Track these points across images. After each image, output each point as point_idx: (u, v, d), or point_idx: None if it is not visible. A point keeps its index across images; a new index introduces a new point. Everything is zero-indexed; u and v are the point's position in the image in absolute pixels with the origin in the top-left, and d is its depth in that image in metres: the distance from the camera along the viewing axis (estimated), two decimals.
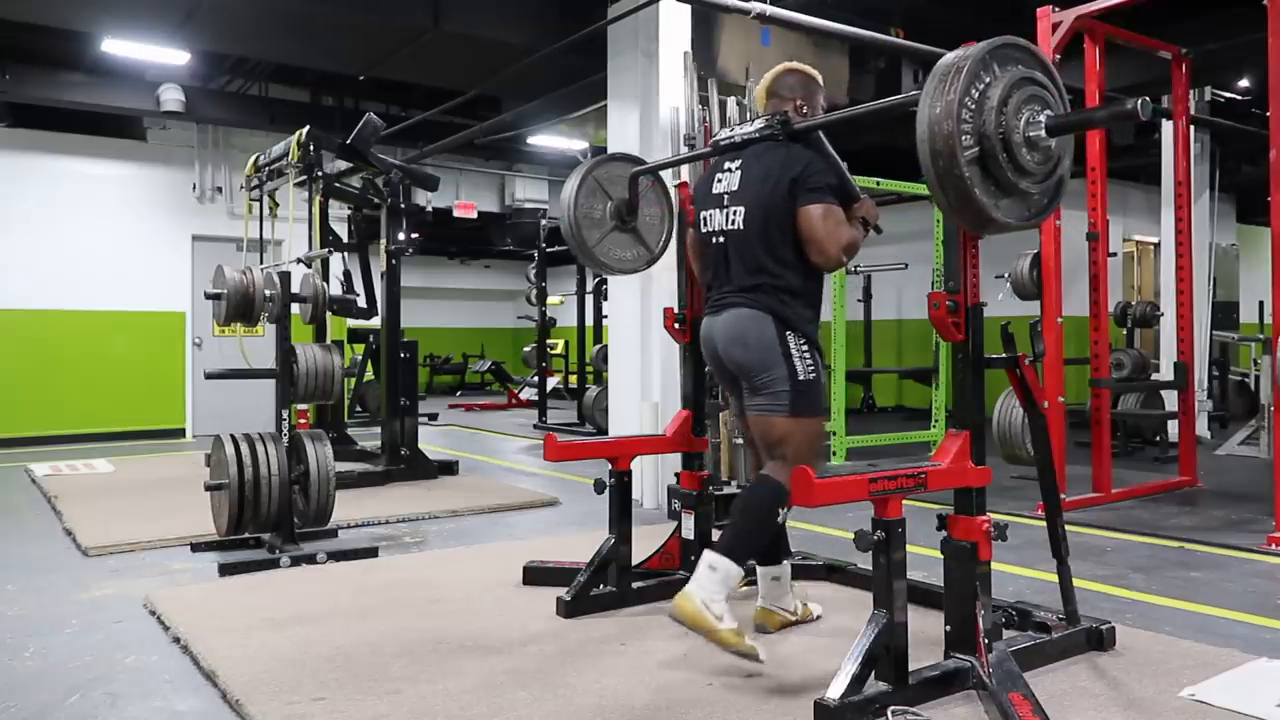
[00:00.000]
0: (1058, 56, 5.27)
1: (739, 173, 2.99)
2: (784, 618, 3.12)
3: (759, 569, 3.14)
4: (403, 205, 6.60)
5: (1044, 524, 2.99)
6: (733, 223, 2.95)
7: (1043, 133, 2.35)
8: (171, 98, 8.64)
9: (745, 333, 2.88)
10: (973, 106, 2.30)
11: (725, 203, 2.99)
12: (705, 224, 3.09)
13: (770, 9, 5.07)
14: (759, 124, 3.01)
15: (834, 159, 2.96)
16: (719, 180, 3.06)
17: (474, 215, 12.23)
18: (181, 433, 9.46)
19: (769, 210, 2.86)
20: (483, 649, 2.96)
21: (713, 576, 2.65)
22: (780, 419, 2.84)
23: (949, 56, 2.36)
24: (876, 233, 3.05)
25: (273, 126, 9.21)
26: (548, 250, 10.84)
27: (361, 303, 7.06)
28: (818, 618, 3.22)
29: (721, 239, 3.00)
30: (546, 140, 10.20)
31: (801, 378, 2.82)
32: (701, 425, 3.57)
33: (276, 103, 9.55)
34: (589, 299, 10.66)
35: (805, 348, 2.86)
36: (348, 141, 6.30)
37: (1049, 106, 2.40)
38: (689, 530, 3.47)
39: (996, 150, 2.31)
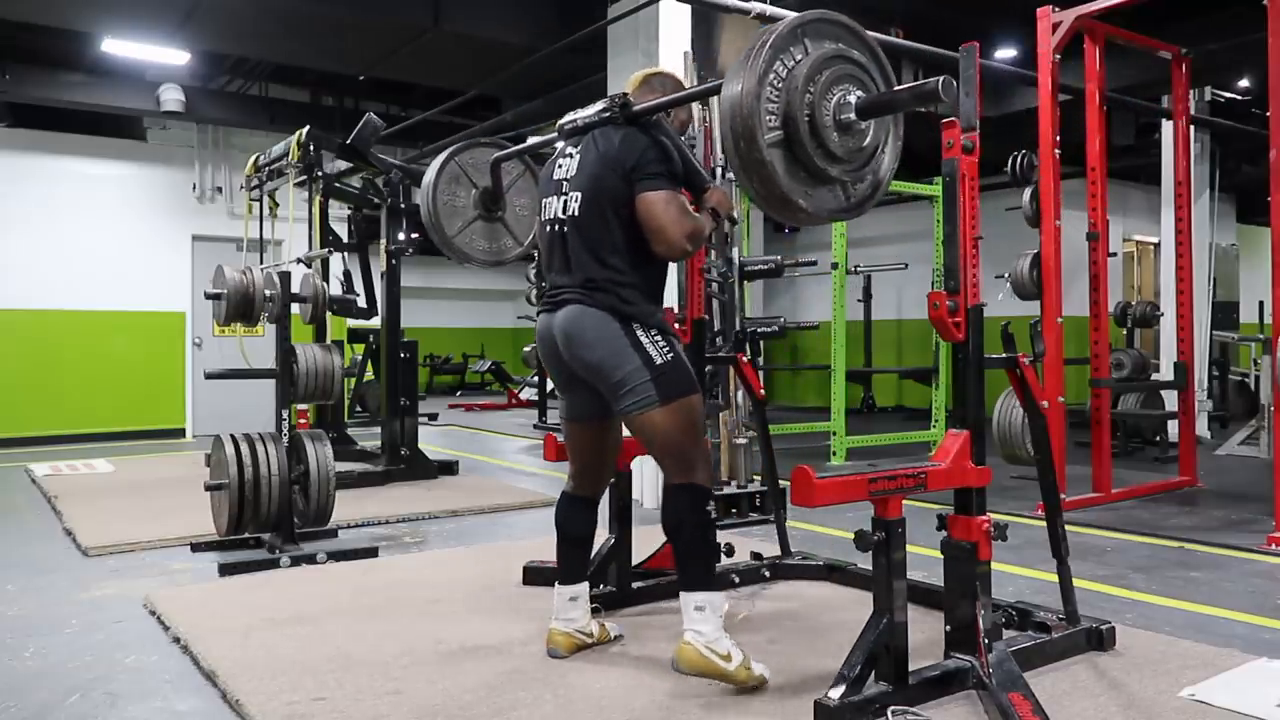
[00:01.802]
0: (1058, 56, 5.28)
1: (578, 157, 2.82)
2: (579, 640, 2.92)
3: (556, 586, 2.96)
4: (403, 205, 6.61)
5: (1044, 524, 2.99)
6: (569, 210, 2.79)
7: (853, 115, 2.14)
8: (171, 98, 8.65)
9: (585, 331, 2.70)
10: (779, 85, 2.08)
11: (564, 189, 2.83)
12: (544, 211, 2.92)
13: (770, 9, 5.07)
14: (599, 106, 2.84)
15: (677, 144, 2.78)
16: (559, 166, 2.90)
17: None
18: (181, 433, 9.47)
19: (605, 197, 2.70)
20: (483, 649, 2.96)
21: (703, 615, 2.57)
22: (654, 413, 2.65)
23: (758, 31, 2.16)
24: (731, 224, 2.96)
25: (273, 126, 9.23)
26: None
27: (361, 303, 7.06)
28: (617, 638, 3.03)
29: (559, 227, 2.83)
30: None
31: (659, 362, 2.65)
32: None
33: (276, 103, 9.57)
34: None
35: (656, 334, 2.70)
36: (348, 141, 6.31)
37: (865, 87, 2.19)
38: None
39: (802, 133, 2.09)
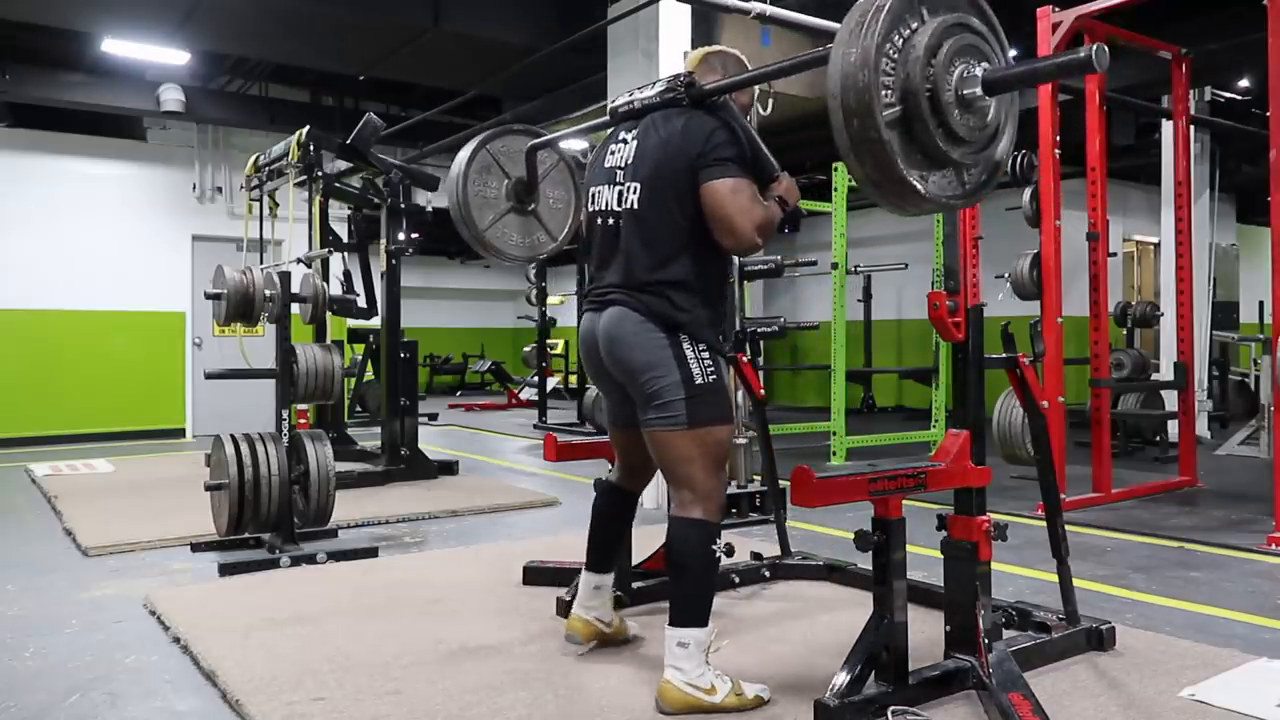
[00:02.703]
0: None
1: (635, 143, 2.61)
2: (598, 628, 2.87)
3: (584, 573, 2.87)
4: (403, 205, 6.60)
5: (1044, 524, 2.99)
6: (626, 201, 2.58)
7: (979, 90, 1.97)
8: (171, 98, 8.65)
9: (627, 336, 2.53)
10: (895, 56, 1.90)
11: (618, 178, 2.62)
12: (593, 201, 2.71)
13: (770, 9, 5.06)
14: (660, 87, 2.61)
15: (745, 128, 2.57)
16: (613, 152, 2.69)
17: None
18: (181, 433, 9.47)
19: (668, 187, 2.50)
20: (483, 649, 2.96)
21: (686, 652, 2.41)
22: (678, 434, 2.48)
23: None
24: (798, 216, 2.85)
25: (273, 126, 9.22)
26: None
27: (361, 303, 7.06)
28: (633, 637, 2.97)
29: (611, 220, 2.62)
30: None
31: (699, 382, 2.48)
32: None
33: (276, 103, 9.56)
34: None
35: (704, 350, 2.53)
36: (348, 141, 6.31)
37: (987, 60, 2.03)
38: None
39: (924, 110, 1.91)
